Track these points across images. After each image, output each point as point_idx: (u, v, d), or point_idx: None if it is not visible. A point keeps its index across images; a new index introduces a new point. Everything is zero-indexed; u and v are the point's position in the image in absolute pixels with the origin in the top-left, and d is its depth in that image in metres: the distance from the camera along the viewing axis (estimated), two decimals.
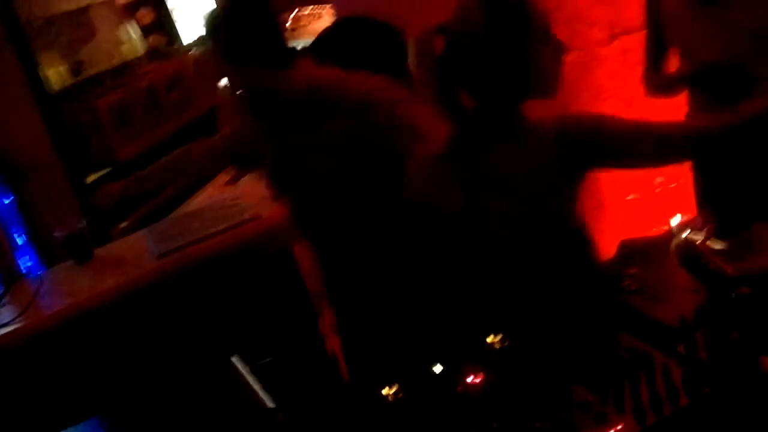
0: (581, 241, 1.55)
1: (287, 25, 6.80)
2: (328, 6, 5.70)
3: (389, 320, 2.00)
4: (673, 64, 2.47)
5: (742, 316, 1.26)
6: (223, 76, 1.99)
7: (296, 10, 6.73)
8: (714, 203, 1.77)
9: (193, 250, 2.61)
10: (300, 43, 6.08)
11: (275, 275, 2.54)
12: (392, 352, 1.78)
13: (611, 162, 1.60)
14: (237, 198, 2.86)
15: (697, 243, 1.50)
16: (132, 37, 5.09)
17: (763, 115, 1.48)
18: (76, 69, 4.62)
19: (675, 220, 1.55)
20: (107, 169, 4.47)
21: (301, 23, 6.67)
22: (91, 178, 4.35)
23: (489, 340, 1.43)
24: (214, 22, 2.01)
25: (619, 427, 1.15)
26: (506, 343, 1.40)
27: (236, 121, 2.31)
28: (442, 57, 1.57)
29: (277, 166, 2.12)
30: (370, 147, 1.91)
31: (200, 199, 3.09)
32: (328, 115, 1.93)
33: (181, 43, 6.08)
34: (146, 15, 5.92)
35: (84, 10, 4.70)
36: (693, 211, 2.32)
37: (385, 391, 1.38)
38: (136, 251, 2.72)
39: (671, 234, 1.59)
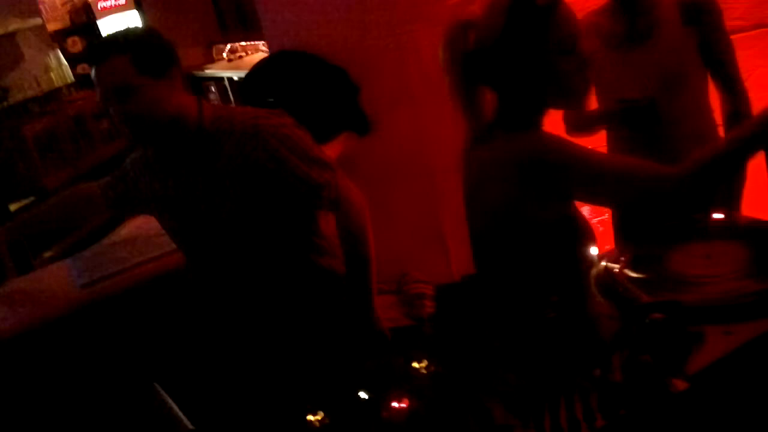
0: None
1: (224, 55, 6.82)
2: (262, 42, 5.75)
3: (316, 346, 2.00)
4: (592, 103, 2.56)
5: (654, 341, 1.31)
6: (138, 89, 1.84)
7: (230, 43, 6.77)
8: (631, 237, 1.84)
9: (119, 280, 2.55)
10: (236, 74, 6.12)
11: (204, 304, 2.51)
12: (318, 379, 1.77)
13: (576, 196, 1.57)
14: None
15: (614, 272, 1.56)
16: (61, 64, 5.01)
17: None
18: (1, 96, 4.52)
19: (594, 251, 1.60)
20: (31, 198, 4.37)
21: (238, 54, 6.70)
22: (14, 206, 4.24)
23: (415, 365, 1.44)
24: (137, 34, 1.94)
25: None
26: (432, 369, 1.42)
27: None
28: (468, 53, 1.56)
29: (177, 198, 2.02)
30: (265, 170, 1.90)
31: (128, 229, 3.02)
32: (223, 141, 1.90)
33: None
34: (76, 43, 5.84)
35: (11, 36, 4.62)
36: (612, 244, 2.41)
37: (310, 418, 1.38)
38: (58, 281, 2.65)
39: (591, 264, 1.63)
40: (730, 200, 2.35)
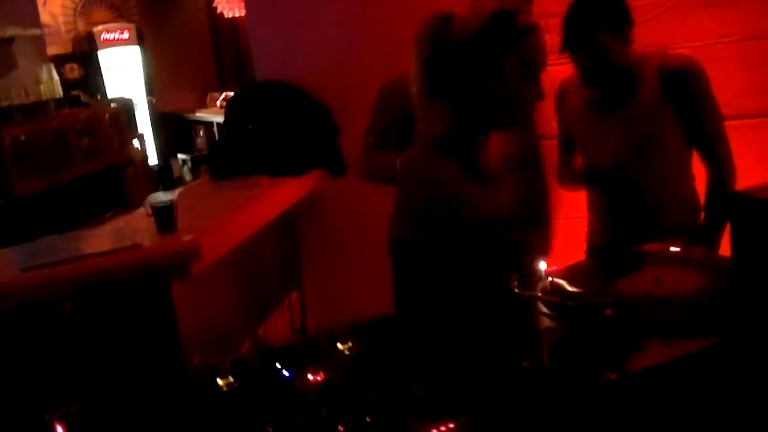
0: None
1: (218, 103, 6.89)
2: None
3: None
4: (578, 160, 2.56)
5: (598, 336, 1.26)
6: None
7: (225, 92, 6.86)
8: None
9: (63, 269, 2.46)
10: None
11: (147, 308, 2.42)
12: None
13: None
14: (122, 228, 2.76)
15: (559, 284, 1.52)
16: (52, 78, 5.03)
17: None
18: None
19: (542, 266, 1.57)
20: None
21: None
22: None
23: (339, 346, 1.39)
24: None
25: (450, 425, 1.10)
26: (355, 351, 1.36)
27: None
28: (438, 48, 1.58)
29: None
30: None
31: (84, 229, 2.96)
32: None
33: (106, 97, 6.07)
34: (74, 69, 5.90)
35: (8, 42, 4.64)
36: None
37: (220, 382, 1.31)
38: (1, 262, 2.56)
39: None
40: (710, 241, 2.30)
